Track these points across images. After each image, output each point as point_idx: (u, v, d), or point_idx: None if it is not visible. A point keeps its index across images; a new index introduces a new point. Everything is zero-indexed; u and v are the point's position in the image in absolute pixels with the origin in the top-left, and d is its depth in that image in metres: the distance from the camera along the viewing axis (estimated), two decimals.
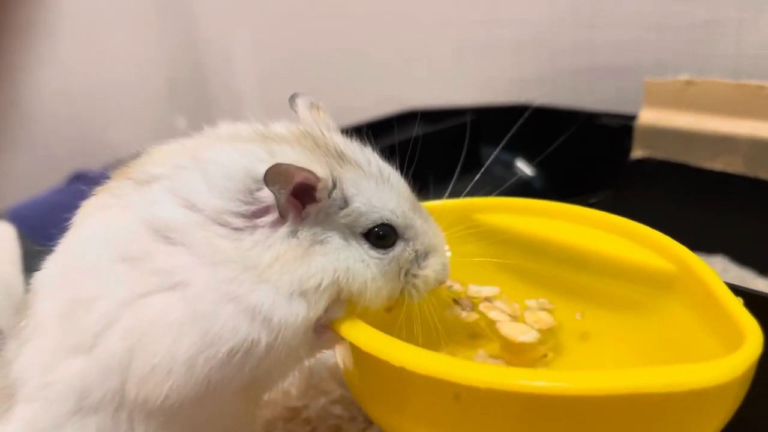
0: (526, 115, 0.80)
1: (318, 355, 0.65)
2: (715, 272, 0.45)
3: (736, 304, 0.41)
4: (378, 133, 0.57)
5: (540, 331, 0.49)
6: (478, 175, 0.61)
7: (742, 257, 0.79)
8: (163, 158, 0.45)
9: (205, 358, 0.40)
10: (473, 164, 0.69)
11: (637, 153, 0.86)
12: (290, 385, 0.70)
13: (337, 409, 0.64)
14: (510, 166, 0.99)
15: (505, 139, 0.72)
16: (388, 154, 0.50)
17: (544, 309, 0.52)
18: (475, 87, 1.06)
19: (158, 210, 0.42)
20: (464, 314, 0.52)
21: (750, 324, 0.39)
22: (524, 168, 0.99)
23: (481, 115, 0.97)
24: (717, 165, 0.79)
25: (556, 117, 0.92)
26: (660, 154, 0.84)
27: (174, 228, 0.42)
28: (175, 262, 0.41)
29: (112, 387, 0.41)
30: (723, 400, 0.38)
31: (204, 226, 0.42)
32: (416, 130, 1.00)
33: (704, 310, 0.44)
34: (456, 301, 0.54)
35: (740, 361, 0.36)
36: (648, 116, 0.84)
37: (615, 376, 0.35)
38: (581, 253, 0.53)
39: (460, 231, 0.54)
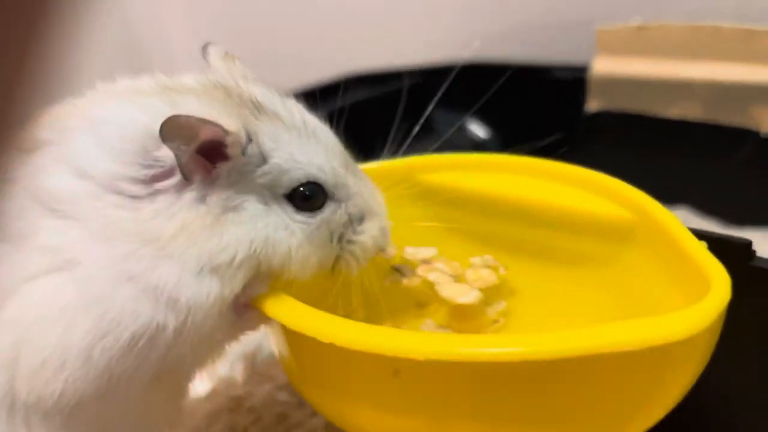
0: (453, 70, 0.75)
1: (258, 336, 0.61)
2: (676, 217, 0.41)
3: (700, 249, 0.37)
4: (322, 98, 0.51)
5: (482, 290, 0.44)
6: (410, 135, 0.56)
7: (705, 206, 0.76)
8: (51, 121, 0.39)
9: (102, 348, 0.34)
10: (424, 128, 0.64)
11: (592, 105, 0.82)
12: (233, 371, 0.65)
13: (283, 396, 0.59)
14: (462, 129, 0.94)
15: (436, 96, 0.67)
16: (334, 120, 0.45)
17: (488, 266, 0.47)
18: (422, 47, 1.01)
19: (44, 180, 0.37)
20: (405, 281, 0.48)
21: (715, 269, 0.35)
22: (477, 130, 0.94)
23: (430, 77, 0.92)
24: (674, 112, 0.76)
25: (508, 73, 0.88)
26: (616, 105, 0.80)
27: (62, 199, 0.36)
28: (63, 239, 0.35)
29: (1, 386, 0.36)
30: (692, 354, 0.34)
31: (97, 196, 0.36)
32: (362, 95, 0.95)
33: (666, 259, 0.40)
34: (395, 269, 0.49)
35: (708, 310, 0.32)
36: (601, 66, 0.80)
37: (570, 336, 0.31)
38: (532, 207, 0.49)
39: (401, 192, 0.49)
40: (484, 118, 0.94)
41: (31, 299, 0.35)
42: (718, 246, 0.38)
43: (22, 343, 0.35)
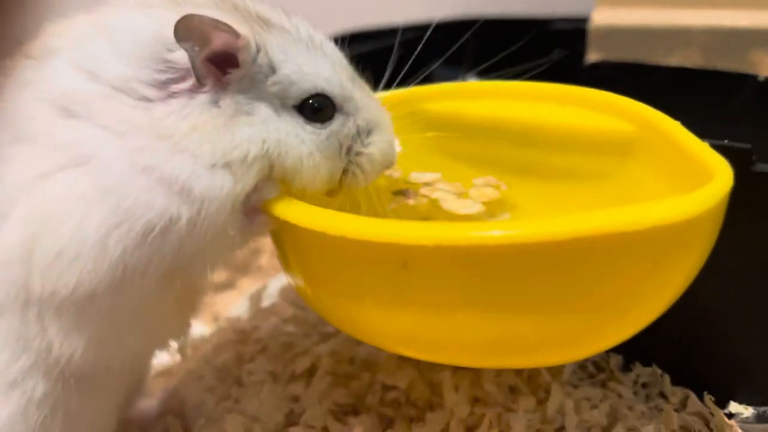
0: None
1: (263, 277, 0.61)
2: (678, 122, 0.41)
3: (703, 148, 0.38)
4: None
5: (485, 204, 0.45)
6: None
7: None
8: (63, 30, 0.40)
9: (117, 237, 0.35)
10: (424, 83, 0.64)
11: (592, 56, 0.82)
12: (239, 311, 0.66)
13: (290, 327, 0.61)
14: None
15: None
16: None
17: (490, 185, 0.48)
18: (420, 3, 1.01)
19: (57, 83, 0.37)
20: (411, 202, 0.48)
21: (718, 162, 0.36)
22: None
23: (427, 32, 0.92)
24: (674, 60, 0.76)
25: (506, 27, 0.88)
26: (615, 55, 0.80)
27: (76, 99, 0.37)
28: (78, 135, 0.36)
29: (16, 282, 0.36)
30: (694, 240, 0.34)
31: (110, 96, 0.37)
32: (361, 49, 0.95)
33: (669, 165, 0.41)
34: (399, 192, 0.50)
35: (711, 194, 0.33)
36: (601, 16, 0.81)
37: (578, 218, 0.32)
38: (532, 129, 0.50)
39: (403, 118, 0.50)
40: (484, 72, 0.94)
41: (46, 194, 0.35)
42: (719, 152, 0.39)
43: (37, 236, 0.35)
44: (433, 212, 0.47)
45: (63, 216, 0.35)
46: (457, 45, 0.77)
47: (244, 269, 0.77)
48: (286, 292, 0.66)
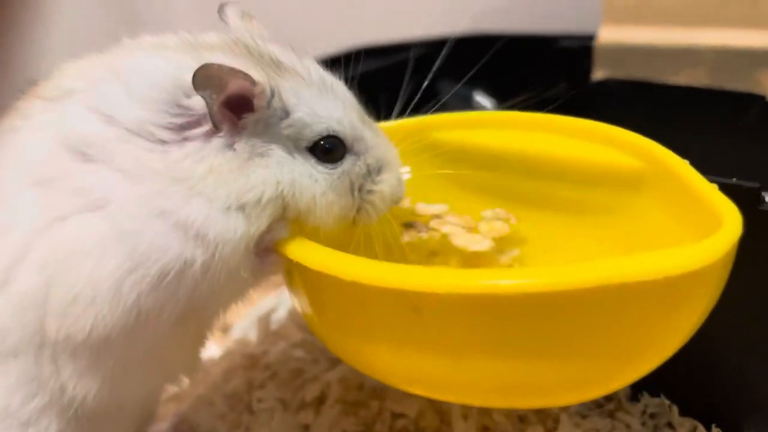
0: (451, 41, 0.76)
1: (273, 298, 0.62)
2: (686, 162, 0.42)
3: (711, 190, 0.38)
4: (329, 69, 0.52)
5: (495, 239, 0.46)
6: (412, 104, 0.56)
7: (713, 174, 0.76)
8: (78, 72, 0.40)
9: (132, 282, 0.35)
10: (430, 99, 0.65)
11: (598, 74, 0.82)
12: (248, 334, 0.66)
13: (299, 352, 0.61)
14: (468, 100, 0.95)
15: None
16: None
17: (500, 219, 0.48)
18: (427, 20, 1.01)
19: (73, 126, 0.38)
20: (424, 235, 0.48)
21: (727, 207, 0.36)
22: (483, 101, 0.95)
23: (435, 48, 0.92)
24: (681, 79, 0.76)
25: (513, 44, 0.88)
26: (622, 74, 0.80)
27: (92, 143, 0.37)
28: (94, 180, 0.36)
29: (31, 326, 0.37)
30: (704, 287, 0.35)
31: (126, 140, 0.37)
32: (369, 66, 0.96)
33: (677, 204, 0.41)
34: (408, 225, 0.50)
35: (721, 241, 0.33)
36: (607, 34, 0.80)
37: (588, 267, 0.32)
38: (540, 161, 0.50)
39: (413, 149, 0.50)
40: (490, 88, 0.94)
41: (62, 238, 0.36)
42: (727, 191, 0.39)
43: (52, 280, 0.36)
44: (444, 247, 0.47)
45: (78, 260, 0.35)
46: (462, 60, 0.77)
47: None
48: (294, 315, 0.67)
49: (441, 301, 0.34)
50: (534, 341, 0.35)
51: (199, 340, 0.44)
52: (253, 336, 0.66)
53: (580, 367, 0.36)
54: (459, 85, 0.68)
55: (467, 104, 0.95)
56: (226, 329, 0.69)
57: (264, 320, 0.67)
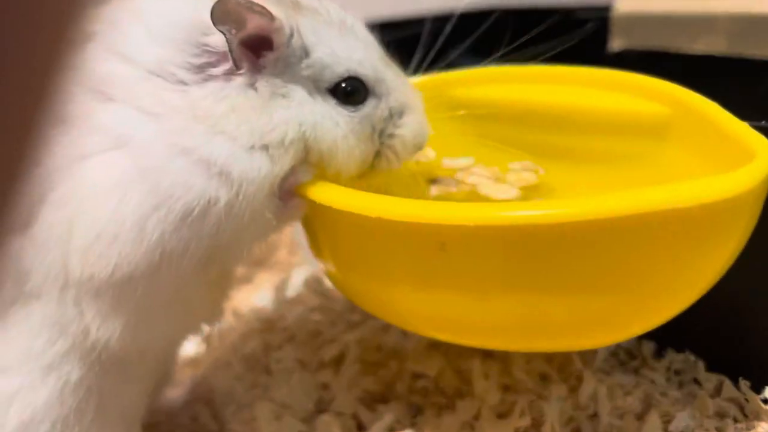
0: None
1: (287, 269, 0.61)
2: (714, 103, 0.41)
3: (742, 126, 0.38)
4: None
5: (522, 189, 0.45)
6: None
7: None
8: (96, 15, 0.40)
9: (156, 219, 0.35)
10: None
11: (615, 44, 0.81)
12: (264, 301, 0.66)
13: (316, 315, 0.60)
14: None
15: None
16: None
17: (527, 170, 0.48)
18: None
19: (93, 67, 0.37)
20: (454, 189, 0.48)
21: (759, 141, 0.36)
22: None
23: (449, 22, 0.92)
24: (698, 47, 0.75)
25: (529, 16, 0.88)
26: (639, 44, 0.79)
27: (111, 83, 0.37)
28: (115, 118, 0.36)
29: (54, 265, 0.36)
30: (738, 217, 0.34)
31: (146, 79, 0.37)
32: (385, 39, 0.95)
33: (707, 146, 0.41)
34: (434, 181, 0.49)
35: (755, 171, 0.33)
36: (624, 4, 0.80)
37: (621, 196, 0.32)
38: (565, 113, 0.49)
39: (435, 105, 0.50)
40: (505, 62, 0.93)
41: (84, 175, 0.35)
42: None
43: (75, 217, 0.35)
44: (471, 198, 0.47)
45: (102, 196, 0.35)
46: (479, 33, 0.77)
47: (261, 264, 0.76)
48: (310, 283, 0.66)
49: (468, 235, 0.33)
50: (562, 275, 0.34)
51: (221, 288, 0.44)
52: (268, 303, 0.65)
53: (605, 302, 0.35)
54: (461, 49, 0.68)
55: None
56: (236, 312, 0.69)
57: (279, 289, 0.66)
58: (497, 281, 0.35)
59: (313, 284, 0.66)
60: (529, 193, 0.45)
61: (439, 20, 0.93)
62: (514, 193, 0.44)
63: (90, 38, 0.39)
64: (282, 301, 0.65)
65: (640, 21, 0.79)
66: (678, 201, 0.31)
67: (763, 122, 0.43)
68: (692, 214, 0.32)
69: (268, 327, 0.60)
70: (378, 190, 0.43)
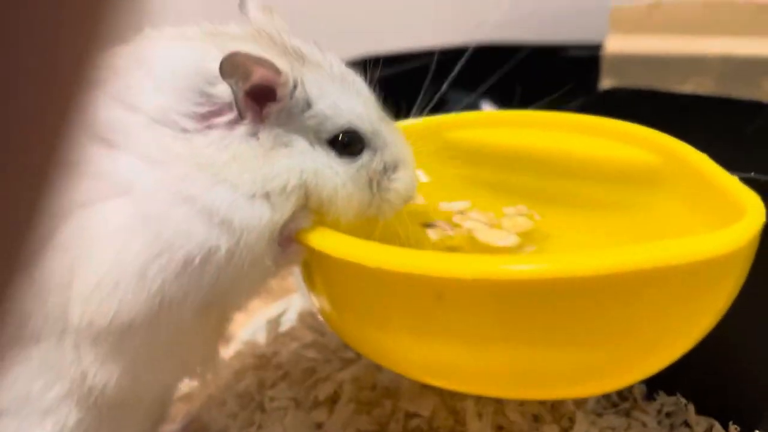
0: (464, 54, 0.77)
1: (283, 302, 0.62)
2: (705, 156, 0.42)
3: (732, 181, 0.39)
4: None
5: (519, 235, 0.46)
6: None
7: None
8: (102, 62, 0.41)
9: (158, 267, 0.35)
10: (438, 109, 0.65)
11: (605, 83, 0.83)
12: (258, 336, 0.66)
13: (311, 352, 0.60)
14: (475, 109, 0.95)
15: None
16: None
17: (522, 215, 0.49)
18: (436, 30, 1.02)
19: (96, 114, 0.38)
20: (451, 232, 0.48)
21: (749, 197, 0.37)
22: (490, 110, 0.96)
23: (444, 57, 0.93)
24: (688, 88, 0.77)
25: (521, 54, 0.89)
26: (629, 83, 0.81)
27: (114, 129, 0.37)
28: (119, 165, 0.37)
29: (53, 311, 0.37)
30: (728, 274, 0.35)
31: (149, 127, 0.37)
32: (378, 75, 0.96)
33: (697, 198, 0.41)
34: (430, 225, 0.50)
35: (745, 228, 0.33)
36: (615, 44, 0.81)
37: (614, 253, 0.32)
38: (558, 158, 0.50)
39: (430, 149, 0.51)
40: (498, 97, 0.95)
41: (86, 222, 0.36)
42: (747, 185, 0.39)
43: (76, 265, 0.36)
44: (469, 243, 0.47)
45: (103, 243, 0.36)
46: (465, 68, 0.78)
47: None
48: (304, 317, 0.67)
49: (465, 287, 0.34)
50: (555, 328, 0.35)
51: (219, 332, 0.44)
52: (262, 339, 0.66)
53: (599, 356, 0.36)
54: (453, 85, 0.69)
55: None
56: (228, 339, 0.69)
57: (273, 323, 0.67)
58: (493, 332, 0.36)
59: (308, 319, 0.66)
60: (524, 239, 0.46)
61: (427, 57, 0.94)
62: (512, 239, 0.45)
63: (95, 85, 0.39)
64: (276, 335, 0.65)
65: (629, 61, 0.80)
66: (670, 259, 0.32)
67: (753, 174, 0.44)
68: (684, 271, 0.32)
69: (263, 363, 0.61)
70: (376, 235, 0.44)
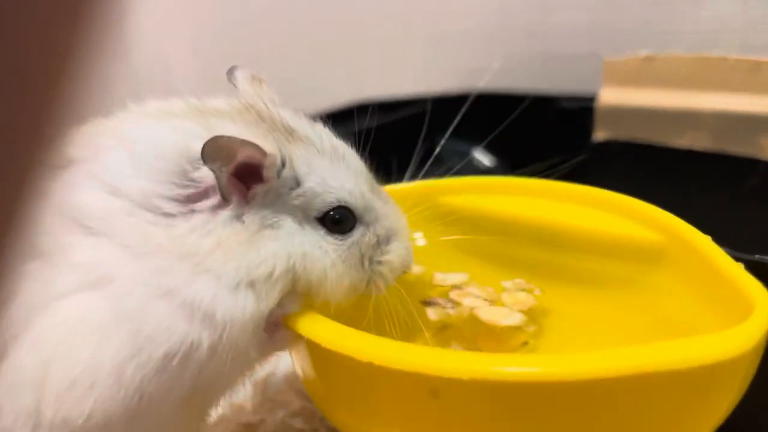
0: (470, 100, 0.76)
1: (271, 361, 0.59)
2: (709, 238, 0.41)
3: (738, 270, 0.37)
4: (328, 125, 0.52)
5: (522, 312, 0.44)
6: (428, 164, 0.56)
7: (716, 237, 0.76)
8: (82, 139, 0.39)
9: (135, 366, 0.33)
10: (430, 156, 0.64)
11: (599, 135, 0.82)
12: (244, 399, 0.64)
13: (298, 422, 0.58)
14: (467, 157, 0.94)
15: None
16: None
17: (522, 289, 0.47)
18: (428, 77, 1.02)
19: (76, 196, 0.36)
20: (451, 311, 0.47)
21: (757, 290, 0.35)
22: (482, 158, 0.95)
23: (435, 105, 0.92)
24: (683, 142, 0.76)
25: (514, 103, 0.88)
26: (623, 135, 0.80)
27: (94, 216, 0.35)
28: (96, 255, 0.35)
29: (25, 407, 0.34)
30: (735, 376, 0.33)
31: (130, 213, 0.35)
32: (370, 122, 0.95)
33: (700, 282, 0.40)
34: (428, 303, 0.48)
35: (754, 329, 0.32)
36: (608, 96, 0.81)
37: (618, 355, 0.31)
38: (557, 230, 0.49)
39: (424, 215, 0.49)
40: (490, 147, 0.94)
41: (62, 317, 0.34)
42: (751, 269, 0.38)
43: (50, 361, 0.34)
44: (470, 323, 0.45)
45: (79, 340, 0.33)
46: (462, 118, 0.77)
47: None
48: (292, 380, 0.64)
49: (463, 387, 0.32)
50: (557, 430, 0.33)
51: (201, 418, 0.42)
52: (247, 403, 0.63)
53: None
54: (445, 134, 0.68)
55: (466, 162, 0.95)
56: None
57: (261, 385, 0.64)
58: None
59: (295, 383, 0.64)
60: (529, 316, 0.45)
61: (418, 105, 0.94)
62: (517, 318, 0.43)
63: (70, 164, 0.37)
64: (263, 400, 0.63)
65: (624, 113, 0.80)
66: (679, 362, 0.30)
67: (757, 256, 0.43)
68: (692, 374, 0.31)
69: None
70: (371, 312, 0.42)
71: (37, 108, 0.16)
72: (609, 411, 0.32)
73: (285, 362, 0.68)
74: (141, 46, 1.24)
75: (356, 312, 0.42)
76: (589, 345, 0.44)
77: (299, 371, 0.44)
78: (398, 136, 0.80)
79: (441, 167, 0.60)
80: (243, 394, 0.64)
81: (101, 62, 0.16)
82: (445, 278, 0.49)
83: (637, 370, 0.30)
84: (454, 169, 0.70)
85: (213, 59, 1.21)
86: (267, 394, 0.64)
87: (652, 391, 0.31)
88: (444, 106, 0.92)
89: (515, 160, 0.93)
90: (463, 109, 0.78)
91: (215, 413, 0.61)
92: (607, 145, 0.82)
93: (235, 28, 1.22)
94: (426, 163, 0.60)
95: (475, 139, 0.92)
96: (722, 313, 0.37)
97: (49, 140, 0.17)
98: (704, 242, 0.40)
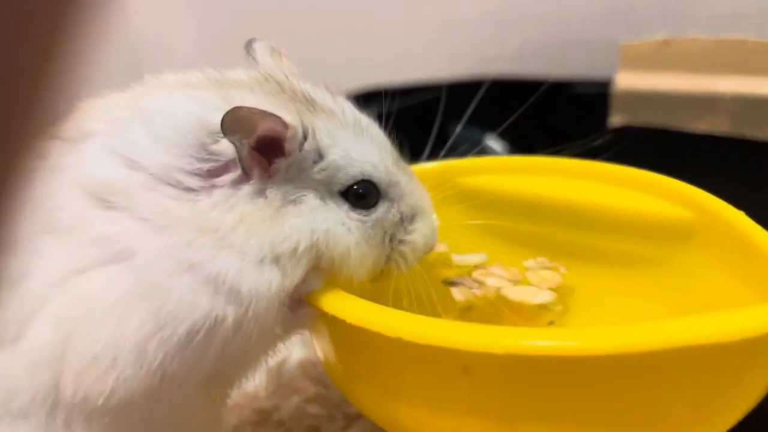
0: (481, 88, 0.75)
1: (283, 349, 0.58)
2: (743, 213, 0.39)
3: None
4: None
5: (550, 290, 0.43)
6: (442, 152, 0.55)
7: None
8: (99, 111, 0.38)
9: (158, 342, 0.32)
10: (442, 143, 0.63)
11: (615, 121, 0.81)
12: (257, 386, 0.63)
13: (314, 408, 0.57)
14: (479, 144, 0.93)
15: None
16: None
17: (546, 268, 0.46)
18: (441, 64, 1.01)
19: (94, 170, 0.35)
20: (477, 291, 0.45)
21: None
22: (495, 145, 0.93)
23: (448, 91, 0.91)
24: (701, 127, 0.75)
25: (528, 89, 0.87)
26: (640, 120, 0.79)
27: (114, 190, 0.34)
28: (116, 229, 0.33)
29: (44, 385, 0.33)
30: None
31: (151, 187, 0.34)
32: (382, 108, 0.94)
33: (733, 257, 0.39)
34: (452, 283, 0.47)
35: None
36: (625, 81, 0.79)
37: (658, 328, 0.30)
38: (582, 210, 0.48)
39: (445, 196, 0.48)
40: (504, 133, 0.93)
41: (82, 292, 0.33)
42: None
43: (70, 337, 0.33)
44: (497, 304, 0.44)
45: (100, 317, 0.32)
46: (476, 104, 0.76)
47: None
48: (306, 367, 0.63)
49: (497, 362, 0.31)
50: (592, 406, 0.32)
51: (222, 401, 0.41)
52: (261, 390, 0.62)
53: None
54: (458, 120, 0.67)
55: (479, 149, 0.93)
56: None
57: (273, 372, 0.63)
58: (523, 410, 0.33)
59: (310, 369, 0.63)
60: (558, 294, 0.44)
61: (433, 91, 0.92)
62: (547, 296, 0.42)
63: (89, 136, 0.36)
64: (277, 386, 0.62)
65: (640, 98, 0.78)
66: (720, 335, 0.29)
67: None
68: (734, 347, 0.30)
69: (262, 419, 0.57)
70: (392, 291, 0.41)
71: (31, 90, 0.15)
72: (646, 386, 0.31)
73: (298, 350, 0.67)
74: (143, 31, 1.23)
75: (376, 292, 0.41)
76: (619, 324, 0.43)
77: (319, 351, 0.43)
78: (411, 122, 0.79)
79: (454, 155, 0.59)
80: (255, 382, 0.63)
81: (101, 45, 0.15)
82: (463, 259, 0.47)
83: (679, 343, 0.29)
84: (467, 156, 0.69)
85: (217, 45, 1.20)
86: (281, 381, 0.63)
87: (692, 365, 0.30)
88: (457, 93, 0.91)
89: (529, 147, 0.91)
90: (478, 96, 0.77)
91: (227, 401, 0.60)
92: (624, 131, 0.81)
93: (242, 14, 1.21)
94: (439, 150, 0.59)
95: (489, 126, 0.90)
96: (757, 288, 0.36)
97: (43, 121, 0.16)
98: (738, 217, 0.39)
